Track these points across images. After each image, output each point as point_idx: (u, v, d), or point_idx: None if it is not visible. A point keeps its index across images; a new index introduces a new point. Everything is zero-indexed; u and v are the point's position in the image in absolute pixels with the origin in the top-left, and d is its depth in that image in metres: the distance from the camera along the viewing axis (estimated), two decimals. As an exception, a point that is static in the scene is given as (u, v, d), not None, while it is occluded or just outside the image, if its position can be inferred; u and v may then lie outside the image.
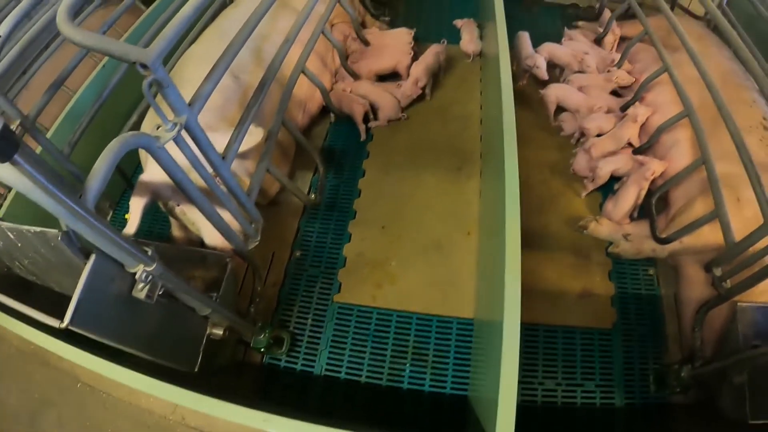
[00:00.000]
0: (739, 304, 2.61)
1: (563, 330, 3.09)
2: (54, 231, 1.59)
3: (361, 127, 3.98)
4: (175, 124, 1.86)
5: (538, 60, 4.15)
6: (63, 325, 1.58)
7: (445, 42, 4.34)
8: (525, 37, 4.35)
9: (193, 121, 1.95)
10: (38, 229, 1.63)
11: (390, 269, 3.29)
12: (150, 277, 1.82)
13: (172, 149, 1.85)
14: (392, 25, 5.01)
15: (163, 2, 3.83)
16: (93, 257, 1.66)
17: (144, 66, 1.63)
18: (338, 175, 3.79)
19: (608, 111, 3.95)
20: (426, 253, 3.34)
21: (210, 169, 2.20)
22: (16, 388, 2.65)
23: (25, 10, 2.27)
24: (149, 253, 1.80)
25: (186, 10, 1.84)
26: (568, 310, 3.17)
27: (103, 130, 3.11)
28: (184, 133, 1.92)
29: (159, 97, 1.79)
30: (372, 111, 4.04)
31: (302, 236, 3.49)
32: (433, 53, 4.19)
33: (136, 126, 3.27)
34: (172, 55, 3.43)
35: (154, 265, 1.80)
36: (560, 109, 4.13)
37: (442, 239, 3.39)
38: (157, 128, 1.84)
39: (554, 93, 3.99)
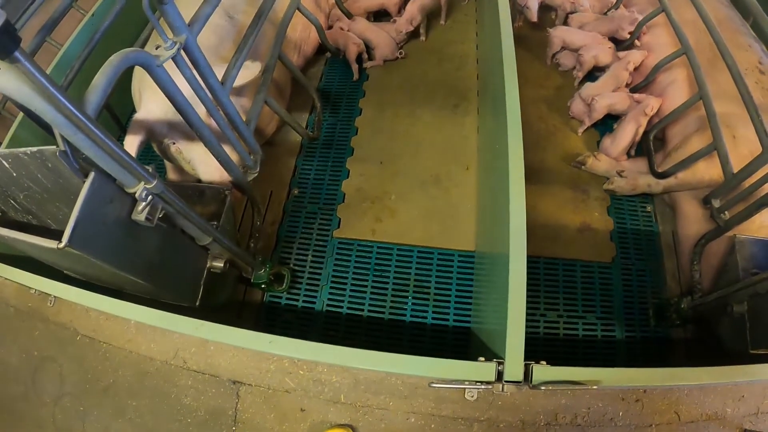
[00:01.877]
0: (737, 236, 2.62)
1: (564, 263, 3.12)
2: (51, 147, 1.55)
3: (354, 67, 3.95)
4: (175, 43, 1.82)
5: (529, 1, 4.10)
6: (61, 245, 1.52)
7: None
8: None
9: (192, 42, 1.93)
10: (35, 148, 1.59)
11: (389, 203, 3.29)
12: (150, 196, 1.77)
13: (172, 74, 1.84)
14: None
15: None
16: (92, 175, 1.60)
17: None
18: (335, 113, 3.77)
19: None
20: (425, 187, 3.34)
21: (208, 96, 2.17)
22: (16, 348, 2.65)
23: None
24: (150, 170, 1.76)
25: None
26: (568, 243, 3.18)
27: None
28: (183, 56, 1.89)
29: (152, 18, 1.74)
30: (367, 50, 4.00)
31: (300, 174, 3.48)
32: None
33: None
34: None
35: (155, 182, 1.75)
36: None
37: (440, 174, 3.39)
38: (156, 48, 1.81)
39: (560, 35, 3.95)
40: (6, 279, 2.32)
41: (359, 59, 3.96)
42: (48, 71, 3.06)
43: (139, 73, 2.89)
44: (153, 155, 3.03)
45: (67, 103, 1.35)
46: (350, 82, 3.97)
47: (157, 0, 1.69)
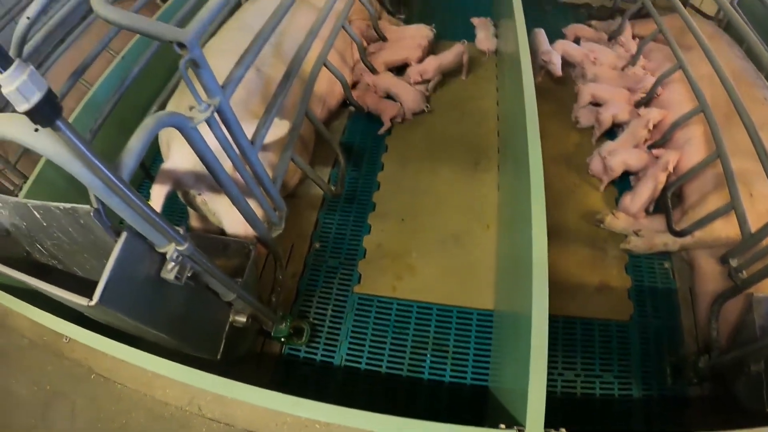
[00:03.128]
0: (755, 295, 2.63)
1: (582, 322, 3.11)
2: (85, 207, 1.56)
3: (388, 125, 4.01)
4: (209, 105, 1.88)
5: (554, 56, 4.19)
6: (92, 303, 1.55)
7: (466, 43, 4.34)
8: (541, 34, 4.40)
9: (225, 104, 1.97)
10: (68, 205, 1.60)
11: (410, 261, 3.31)
12: (180, 257, 1.82)
13: (202, 132, 1.88)
14: (407, 22, 5.03)
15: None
16: (124, 235, 1.65)
17: (181, 45, 1.66)
18: (357, 168, 3.82)
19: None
20: (445, 245, 3.36)
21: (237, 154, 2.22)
22: (28, 380, 2.64)
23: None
24: (181, 232, 1.80)
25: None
26: (586, 302, 3.19)
27: (123, 121, 3.14)
28: (216, 117, 1.94)
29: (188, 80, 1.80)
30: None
31: (321, 228, 3.51)
32: (454, 53, 4.26)
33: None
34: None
35: (186, 245, 1.80)
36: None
37: (460, 232, 3.42)
38: (190, 109, 1.86)
39: (590, 90, 4.03)
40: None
41: (394, 117, 4.03)
42: (76, 112, 3.21)
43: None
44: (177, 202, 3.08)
45: (103, 168, 1.39)
46: (373, 137, 4.03)
47: (192, 63, 1.74)
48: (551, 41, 4.45)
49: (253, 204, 2.46)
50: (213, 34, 3.49)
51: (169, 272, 1.84)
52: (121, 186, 1.47)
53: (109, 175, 1.42)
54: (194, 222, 3.13)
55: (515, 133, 2.95)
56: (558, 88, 4.43)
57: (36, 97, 1.12)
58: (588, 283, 3.26)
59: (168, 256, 1.80)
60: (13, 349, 2.67)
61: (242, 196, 2.30)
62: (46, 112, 1.17)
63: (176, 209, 3.53)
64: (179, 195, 2.83)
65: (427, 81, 4.25)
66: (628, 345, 3.06)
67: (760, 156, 2.70)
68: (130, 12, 1.65)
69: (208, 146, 1.95)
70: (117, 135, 3.22)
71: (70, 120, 3.09)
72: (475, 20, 4.71)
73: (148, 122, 1.62)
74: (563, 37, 4.72)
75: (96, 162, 1.36)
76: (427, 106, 4.12)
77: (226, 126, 2.08)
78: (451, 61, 4.24)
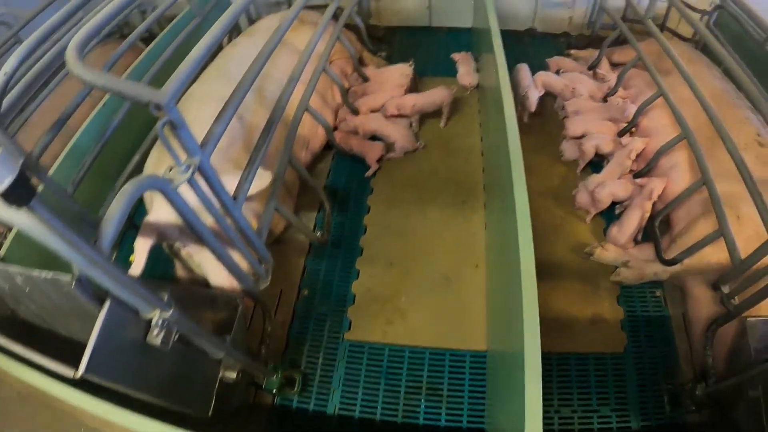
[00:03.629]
0: (748, 319, 2.62)
1: (576, 357, 3.08)
2: (67, 277, 1.55)
3: (375, 167, 3.99)
4: (189, 166, 1.86)
5: (531, 92, 4.23)
6: (78, 375, 1.53)
7: (454, 90, 4.37)
8: (523, 69, 4.44)
9: (206, 163, 1.96)
10: (49, 274, 1.60)
11: (400, 305, 3.27)
12: (166, 323, 1.80)
13: (183, 189, 1.85)
14: (389, 60, 5.10)
15: (162, 41, 3.86)
16: (107, 304, 1.62)
17: (158, 107, 1.64)
18: (343, 212, 3.79)
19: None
20: (435, 288, 3.33)
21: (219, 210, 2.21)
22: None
23: (30, 48, 2.30)
24: (165, 298, 1.78)
25: (198, 51, 1.87)
26: (579, 336, 3.16)
27: (105, 170, 3.13)
28: (196, 175, 1.92)
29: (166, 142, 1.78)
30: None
31: (309, 274, 3.47)
32: (437, 96, 4.26)
33: (139, 165, 3.28)
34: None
35: (171, 311, 1.78)
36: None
37: (450, 273, 3.39)
38: (170, 170, 1.84)
39: (572, 123, 4.06)
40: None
41: (380, 158, 4.03)
42: (58, 162, 3.14)
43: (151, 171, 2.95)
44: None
45: (83, 244, 1.37)
46: (358, 179, 4.01)
47: (170, 125, 1.72)
48: (534, 72, 4.49)
49: (237, 258, 2.43)
50: (194, 80, 3.48)
51: (155, 338, 1.80)
52: (101, 260, 1.45)
53: (88, 251, 1.40)
54: (181, 272, 3.07)
55: (500, 170, 2.94)
56: (541, 121, 4.45)
57: (7, 181, 1.10)
58: (580, 317, 3.23)
59: (153, 323, 1.77)
60: (3, 401, 2.63)
61: (226, 251, 2.27)
62: (19, 195, 1.15)
63: (162, 257, 3.47)
64: (164, 246, 2.80)
65: (407, 116, 4.25)
66: (624, 377, 3.03)
67: (745, 179, 2.73)
68: (106, 73, 1.64)
69: (189, 207, 1.93)
70: (101, 183, 3.24)
71: (53, 169, 3.12)
72: (456, 55, 4.74)
73: (127, 188, 1.60)
74: (545, 68, 4.75)
75: (74, 238, 1.35)
76: (419, 143, 4.13)
77: (207, 184, 2.06)
78: (432, 103, 4.25)
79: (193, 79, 3.43)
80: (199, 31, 4.03)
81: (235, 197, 2.35)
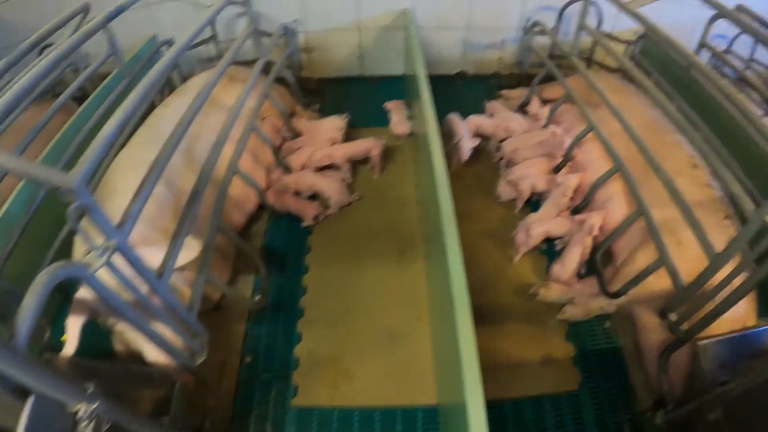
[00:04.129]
0: (699, 343, 2.62)
1: (530, 401, 3.02)
2: None
3: (311, 224, 3.93)
4: (106, 249, 1.79)
5: (462, 142, 4.25)
6: None
7: (384, 139, 4.37)
8: (454, 119, 4.45)
9: (123, 244, 1.89)
10: None
11: (345, 365, 3.16)
12: (94, 414, 1.68)
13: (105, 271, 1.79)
14: (322, 112, 5.08)
15: (93, 102, 3.75)
16: (31, 399, 1.51)
17: (68, 191, 1.60)
18: (281, 273, 3.68)
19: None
20: (379, 344, 3.24)
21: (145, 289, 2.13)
22: None
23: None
24: (90, 390, 1.66)
25: (108, 129, 1.84)
26: (531, 379, 3.10)
27: (36, 240, 3.00)
28: (115, 260, 1.85)
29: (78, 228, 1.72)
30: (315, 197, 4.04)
31: (251, 340, 3.33)
32: (363, 145, 4.27)
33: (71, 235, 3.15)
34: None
35: (97, 403, 1.67)
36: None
37: (393, 327, 3.31)
38: (87, 254, 1.78)
39: (527, 185, 4.01)
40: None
41: (316, 216, 3.95)
42: None
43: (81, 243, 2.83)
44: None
45: None
46: (295, 238, 3.91)
47: (83, 209, 1.67)
48: (469, 113, 4.55)
49: (169, 335, 2.35)
50: (123, 145, 3.38)
51: (84, 431, 1.69)
52: (17, 360, 1.38)
53: (3, 351, 1.33)
54: (119, 345, 2.92)
55: (433, 218, 2.91)
56: (477, 164, 4.47)
57: None
58: (531, 359, 3.18)
59: (79, 417, 1.65)
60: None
61: (156, 332, 2.21)
62: None
63: (102, 330, 3.33)
64: (99, 322, 2.67)
65: (338, 169, 4.23)
66: (582, 414, 2.98)
67: (680, 206, 2.78)
68: (16, 157, 1.61)
69: (110, 291, 1.86)
70: (33, 254, 3.10)
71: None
72: (388, 104, 4.75)
73: (42, 279, 1.53)
74: (480, 110, 4.80)
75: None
76: (354, 196, 4.08)
77: (129, 264, 1.99)
78: (360, 153, 4.25)
79: (123, 143, 3.38)
80: (129, 92, 3.93)
81: (160, 274, 2.26)
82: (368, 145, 4.25)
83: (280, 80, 4.75)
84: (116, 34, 3.73)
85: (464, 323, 2.11)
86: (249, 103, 3.72)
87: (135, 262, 2.00)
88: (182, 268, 2.78)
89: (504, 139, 4.42)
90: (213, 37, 4.81)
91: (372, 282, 3.56)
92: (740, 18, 3.10)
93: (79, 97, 3.92)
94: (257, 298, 3.44)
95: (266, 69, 4.27)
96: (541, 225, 3.59)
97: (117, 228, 1.89)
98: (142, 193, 2.11)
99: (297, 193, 4.01)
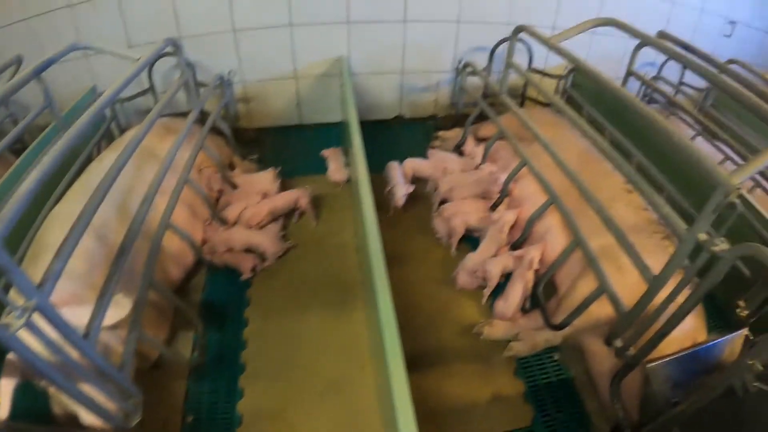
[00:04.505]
0: (648, 366, 2.63)
1: (483, 442, 2.96)
2: None
3: (249, 276, 3.83)
4: (25, 310, 1.73)
5: (397, 188, 4.25)
6: None
7: (308, 189, 4.33)
8: (392, 167, 4.47)
9: (44, 304, 1.82)
10: None
11: (290, 420, 3.03)
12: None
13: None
14: (261, 162, 5.03)
15: (30, 155, 3.60)
16: None
17: None
18: (221, 328, 3.55)
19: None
20: (324, 396, 3.13)
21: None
22: None
23: None
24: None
25: (26, 185, 1.79)
26: (482, 420, 3.04)
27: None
28: (37, 320, 1.79)
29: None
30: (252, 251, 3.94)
31: (192, 398, 3.17)
32: (285, 198, 4.22)
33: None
34: (37, 214, 3.23)
35: None
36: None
37: (338, 378, 3.21)
38: (7, 314, 1.71)
39: (459, 222, 4.02)
40: None
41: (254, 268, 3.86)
42: None
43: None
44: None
45: None
46: (234, 292, 3.79)
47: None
48: (408, 156, 4.61)
49: (101, 398, 2.26)
50: (59, 199, 3.30)
51: None
52: None
53: None
54: (57, 408, 2.75)
55: (367, 267, 2.88)
56: (418, 206, 4.48)
57: None
58: (480, 400, 3.13)
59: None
60: None
61: (86, 396, 2.14)
62: None
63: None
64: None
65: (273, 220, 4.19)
66: (537, 450, 2.94)
67: (612, 231, 2.83)
68: None
69: (34, 353, 1.81)
70: None
71: None
72: (325, 152, 4.73)
73: None
74: (416, 153, 4.81)
75: None
76: (288, 243, 4.02)
77: (52, 325, 1.92)
78: (287, 205, 4.20)
79: (59, 197, 3.31)
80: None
81: (86, 334, 2.17)
82: (294, 196, 4.21)
83: (218, 131, 4.70)
84: (50, 86, 3.64)
85: (397, 371, 2.09)
86: (183, 155, 3.66)
87: (57, 323, 1.93)
88: (115, 327, 2.69)
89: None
90: (150, 89, 4.76)
91: (313, 332, 3.47)
92: (663, 44, 3.18)
93: (19, 150, 3.83)
94: (195, 355, 3.33)
95: (203, 120, 4.24)
96: (497, 264, 3.59)
97: (38, 287, 1.82)
98: (64, 251, 2.04)
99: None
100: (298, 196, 4.20)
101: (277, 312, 3.61)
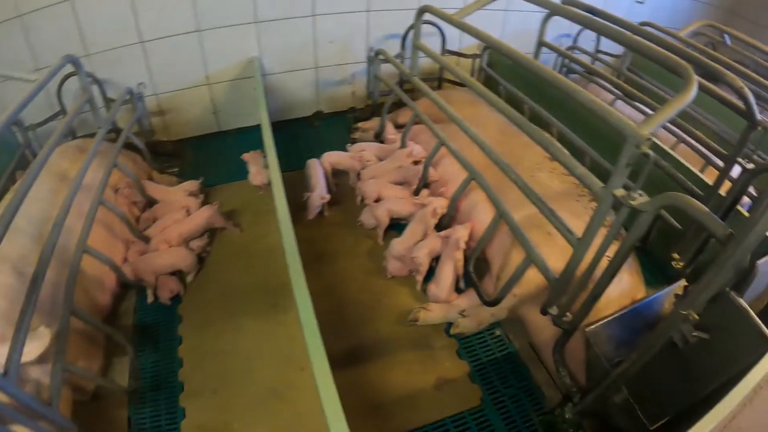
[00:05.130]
0: (587, 330, 2.67)
1: (433, 428, 2.95)
2: None
3: (167, 303, 3.66)
4: None
5: (310, 199, 4.18)
6: None
7: (217, 205, 4.12)
8: (312, 165, 4.41)
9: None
10: None
11: (235, 433, 2.99)
12: None
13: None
14: (181, 174, 4.89)
15: None
16: None
17: None
18: (156, 349, 3.42)
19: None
20: (266, 404, 3.05)
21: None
22: None
23: None
24: None
25: None
26: (430, 405, 3.04)
27: None
28: None
29: None
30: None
31: (135, 426, 3.04)
32: (194, 221, 4.00)
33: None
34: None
35: None
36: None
37: (278, 384, 3.13)
38: None
39: (383, 210, 3.98)
40: None
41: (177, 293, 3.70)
42: None
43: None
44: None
45: None
46: (164, 311, 3.64)
47: None
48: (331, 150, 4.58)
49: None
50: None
51: None
52: None
53: None
54: None
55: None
56: (341, 200, 4.47)
57: None
58: (426, 386, 3.13)
59: None
60: None
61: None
62: None
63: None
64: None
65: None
66: (492, 426, 2.96)
67: (533, 200, 2.85)
68: None
69: None
70: None
71: None
72: (245, 156, 4.58)
73: None
74: (338, 147, 4.77)
75: None
76: (197, 268, 3.84)
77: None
78: (197, 228, 3.99)
79: None
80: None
81: (5, 372, 2.07)
82: (205, 215, 4.02)
83: (134, 148, 4.54)
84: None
85: (321, 369, 2.14)
86: (97, 175, 3.53)
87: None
88: (44, 361, 2.57)
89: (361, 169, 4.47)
90: (61, 112, 4.55)
91: (249, 340, 3.39)
92: (571, 11, 3.18)
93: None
94: (130, 382, 3.21)
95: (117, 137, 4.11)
96: (423, 248, 3.57)
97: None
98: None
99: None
100: (208, 215, 4.02)
101: (211, 325, 3.51)
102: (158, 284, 3.63)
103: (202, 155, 5.25)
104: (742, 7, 6.51)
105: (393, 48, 5.39)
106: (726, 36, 4.89)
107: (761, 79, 3.67)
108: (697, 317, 1.96)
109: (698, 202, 1.94)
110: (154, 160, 4.79)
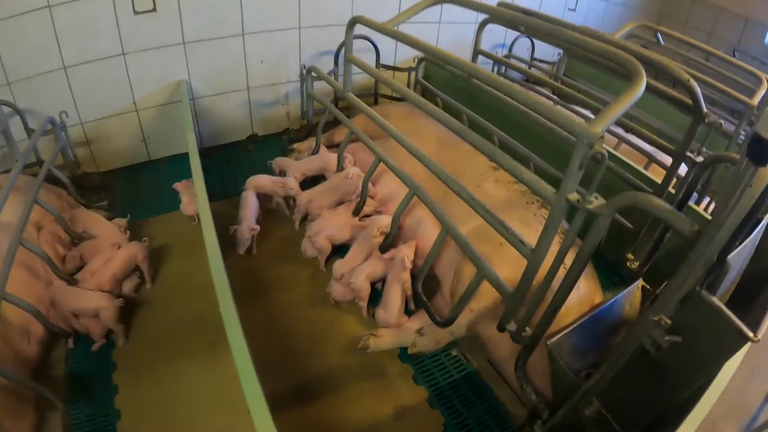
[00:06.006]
0: (548, 343, 2.56)
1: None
2: None
3: (101, 342, 3.39)
4: None
5: (238, 230, 3.94)
6: None
7: (145, 241, 3.82)
8: (245, 197, 4.21)
9: None
10: None
11: (180, 486, 2.74)
12: None
13: None
14: (110, 209, 4.59)
15: None
16: None
17: None
18: (90, 401, 3.10)
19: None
20: (213, 454, 2.83)
21: None
22: None
23: None
24: None
25: None
26: (390, 436, 2.89)
27: None
28: None
29: None
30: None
31: None
32: (127, 253, 3.69)
33: None
34: None
35: None
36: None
37: (223, 429, 2.93)
38: None
39: (323, 239, 3.80)
40: None
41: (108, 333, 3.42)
42: None
43: None
44: None
45: None
46: (97, 358, 3.35)
47: None
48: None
49: None
50: None
51: None
52: None
53: None
54: None
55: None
56: (283, 227, 4.32)
57: None
58: (383, 417, 2.97)
59: None
60: None
61: None
62: None
63: None
64: None
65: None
66: (457, 451, 2.82)
67: (479, 212, 2.72)
68: None
69: None
70: None
71: None
72: (177, 185, 4.32)
73: None
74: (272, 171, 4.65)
75: None
76: (119, 301, 3.45)
77: None
78: (129, 266, 3.70)
79: None
80: None
81: None
82: (131, 253, 3.70)
83: (57, 181, 4.24)
84: None
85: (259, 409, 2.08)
86: (17, 213, 3.28)
87: None
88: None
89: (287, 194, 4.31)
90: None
91: (189, 383, 3.14)
92: (506, 13, 3.10)
93: None
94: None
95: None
96: (360, 273, 3.42)
97: None
98: None
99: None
100: (135, 250, 3.72)
101: (147, 370, 3.23)
102: (87, 327, 3.37)
103: (133, 186, 4.96)
104: (671, 9, 6.69)
105: (328, 65, 5.28)
106: (659, 35, 4.95)
107: (700, 75, 3.72)
108: (669, 321, 1.87)
109: (662, 201, 1.87)
110: (81, 194, 4.50)
